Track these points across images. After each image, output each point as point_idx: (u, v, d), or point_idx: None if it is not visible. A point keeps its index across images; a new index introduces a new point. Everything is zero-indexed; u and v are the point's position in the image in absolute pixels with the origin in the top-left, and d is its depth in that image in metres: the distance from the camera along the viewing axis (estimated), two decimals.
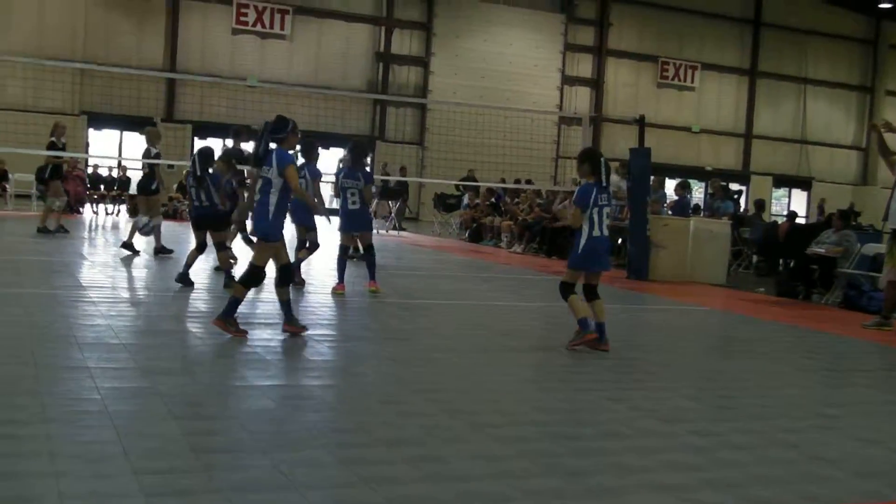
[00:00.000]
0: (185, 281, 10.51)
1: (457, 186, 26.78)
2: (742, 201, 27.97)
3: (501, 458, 4.64)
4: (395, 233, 23.55)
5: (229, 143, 14.34)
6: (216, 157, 10.95)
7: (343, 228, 10.97)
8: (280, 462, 4.29)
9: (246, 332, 7.47)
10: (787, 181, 40.36)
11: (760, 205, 21.83)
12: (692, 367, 8.07)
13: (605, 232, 7.93)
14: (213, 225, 10.66)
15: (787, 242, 16.78)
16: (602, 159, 7.92)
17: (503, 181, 25.69)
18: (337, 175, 11.10)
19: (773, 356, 8.86)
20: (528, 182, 25.21)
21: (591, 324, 7.87)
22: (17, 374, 5.68)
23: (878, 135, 11.24)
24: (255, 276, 7.63)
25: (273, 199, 7.53)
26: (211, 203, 10.65)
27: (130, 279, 11.70)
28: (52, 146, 16.37)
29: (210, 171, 10.72)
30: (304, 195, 8.25)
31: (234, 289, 7.67)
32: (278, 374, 6.36)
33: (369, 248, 10.90)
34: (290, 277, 7.88)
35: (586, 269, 8.01)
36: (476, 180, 26.47)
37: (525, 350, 8.15)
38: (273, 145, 7.63)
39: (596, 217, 7.80)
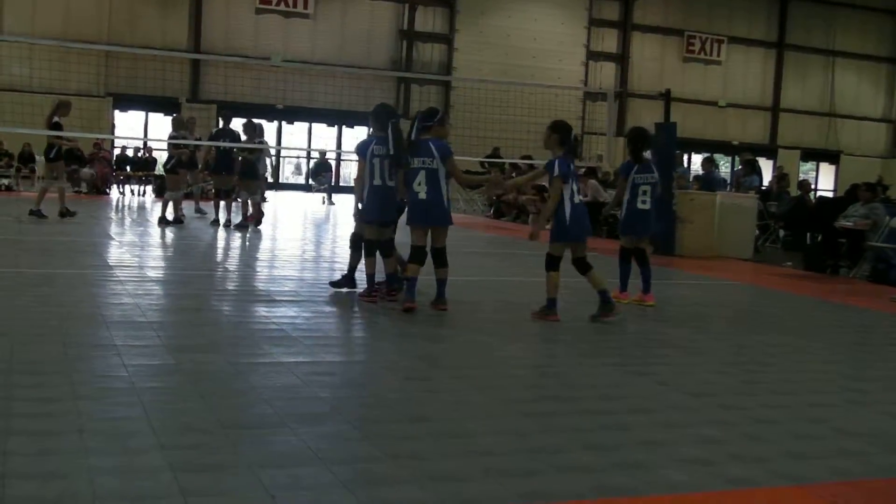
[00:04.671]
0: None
1: (482, 163, 26.69)
2: (767, 176, 27.70)
3: (529, 434, 4.63)
4: None
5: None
6: None
7: (627, 231, 9.47)
8: (306, 437, 4.30)
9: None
10: (815, 155, 39.96)
11: (782, 178, 21.58)
12: (719, 341, 8.02)
13: (583, 199, 8.25)
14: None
15: (814, 216, 16.63)
16: (572, 131, 8.21)
17: (530, 157, 25.58)
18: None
19: (800, 330, 8.79)
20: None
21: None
22: (47, 352, 5.73)
23: None
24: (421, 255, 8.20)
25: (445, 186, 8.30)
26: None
27: (156, 258, 11.76)
28: (56, 126, 15.78)
29: None
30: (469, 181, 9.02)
31: (409, 269, 8.12)
32: (303, 351, 6.38)
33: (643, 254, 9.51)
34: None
35: (574, 239, 8.14)
36: (501, 157, 26.38)
37: (551, 326, 8.12)
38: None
39: (574, 187, 8.05)
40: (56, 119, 15.71)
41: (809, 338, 8.36)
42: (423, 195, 8.07)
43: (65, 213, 15.54)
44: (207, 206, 18.24)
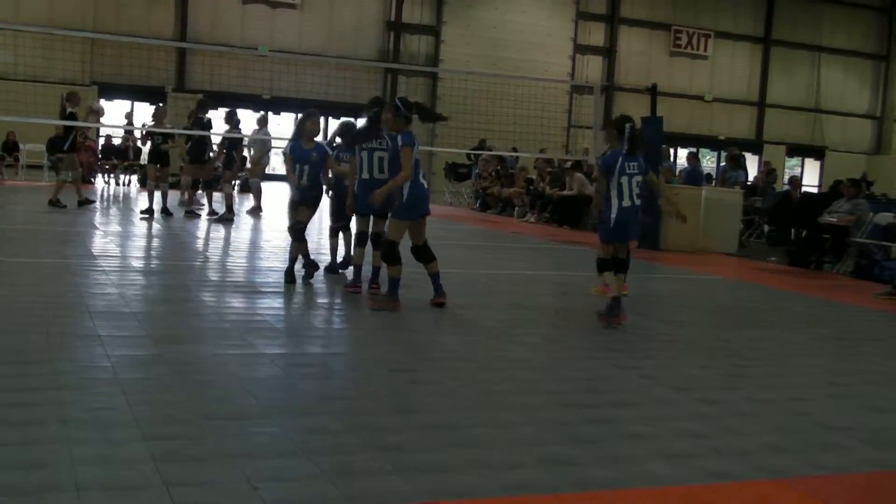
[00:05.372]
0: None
1: (468, 155, 26.69)
2: (752, 171, 27.79)
3: (513, 426, 4.64)
4: None
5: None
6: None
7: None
8: (289, 429, 4.30)
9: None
10: (801, 150, 40.09)
11: (770, 173, 21.66)
12: (703, 335, 8.06)
13: (637, 202, 7.70)
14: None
15: (798, 211, 16.70)
16: (629, 125, 7.68)
17: (515, 150, 25.62)
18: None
19: (783, 325, 8.84)
20: (543, 150, 25.15)
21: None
22: (30, 342, 5.70)
23: None
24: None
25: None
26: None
27: (141, 248, 11.72)
28: (71, 117, 15.96)
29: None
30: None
31: (395, 270, 7.71)
32: (287, 343, 6.37)
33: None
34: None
35: (617, 240, 7.81)
36: (486, 149, 26.37)
37: (536, 319, 8.13)
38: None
39: (626, 186, 7.60)
40: (70, 110, 15.80)
41: (793, 332, 8.40)
42: (426, 186, 7.95)
43: (55, 203, 15.47)
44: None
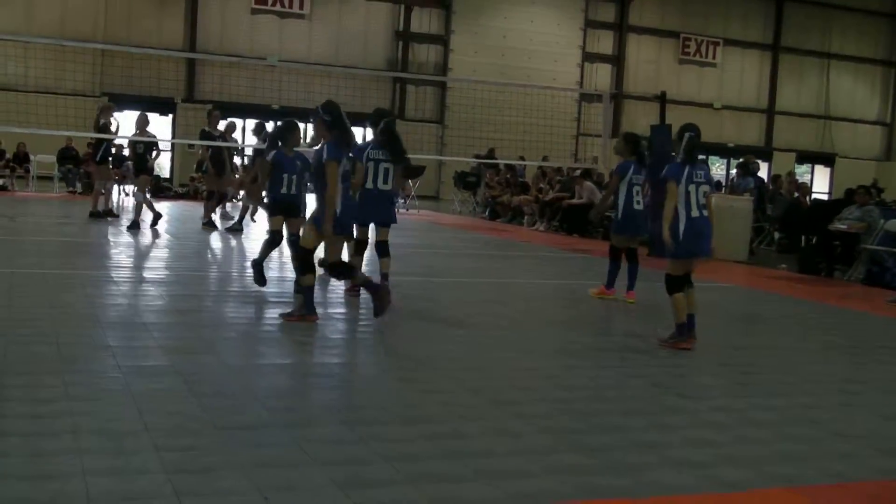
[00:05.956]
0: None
1: (477, 164, 26.68)
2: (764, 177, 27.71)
3: (522, 435, 4.64)
4: (413, 211, 23.51)
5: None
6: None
7: (622, 231, 9.45)
8: (300, 439, 4.31)
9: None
10: (811, 157, 40.00)
11: (776, 179, 21.64)
12: (714, 343, 8.02)
13: (705, 213, 7.22)
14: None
15: (809, 218, 16.65)
16: (688, 135, 7.22)
17: (522, 158, 25.62)
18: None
19: (794, 333, 8.81)
20: (545, 159, 25.16)
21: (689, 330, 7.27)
22: (42, 353, 5.72)
23: None
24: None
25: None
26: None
27: (152, 259, 11.75)
28: (104, 129, 16.07)
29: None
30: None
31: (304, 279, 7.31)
32: (297, 353, 6.37)
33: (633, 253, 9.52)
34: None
35: (692, 255, 7.26)
36: (496, 158, 26.38)
37: (546, 327, 8.12)
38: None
39: (693, 196, 7.18)
40: (103, 121, 15.96)
41: (803, 340, 8.38)
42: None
43: (108, 213, 15.87)
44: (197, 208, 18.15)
